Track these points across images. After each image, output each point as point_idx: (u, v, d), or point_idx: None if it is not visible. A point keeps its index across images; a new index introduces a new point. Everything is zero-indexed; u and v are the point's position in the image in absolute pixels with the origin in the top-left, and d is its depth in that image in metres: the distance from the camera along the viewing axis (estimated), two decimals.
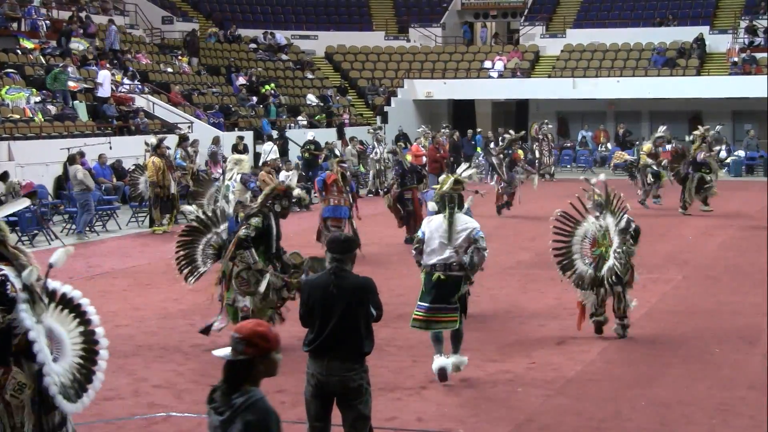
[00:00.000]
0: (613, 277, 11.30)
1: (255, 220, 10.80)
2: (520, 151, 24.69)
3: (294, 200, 11.49)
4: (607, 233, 11.47)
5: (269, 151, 30.03)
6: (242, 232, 10.83)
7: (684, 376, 10.12)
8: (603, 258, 11.41)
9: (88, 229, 20.71)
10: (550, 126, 35.38)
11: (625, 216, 11.47)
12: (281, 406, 9.12)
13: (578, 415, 8.93)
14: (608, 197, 11.57)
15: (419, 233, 9.93)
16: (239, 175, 17.72)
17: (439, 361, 9.74)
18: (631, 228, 11.45)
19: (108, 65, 31.30)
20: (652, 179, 24.74)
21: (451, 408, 9.11)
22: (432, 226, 9.76)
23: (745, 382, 9.87)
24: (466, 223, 9.76)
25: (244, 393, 4.37)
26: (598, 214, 11.54)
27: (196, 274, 11.59)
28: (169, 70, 35.67)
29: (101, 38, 33.47)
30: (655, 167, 24.67)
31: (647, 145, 25.15)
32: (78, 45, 31.95)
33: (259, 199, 11.14)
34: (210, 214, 11.53)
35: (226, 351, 4.47)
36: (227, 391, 4.42)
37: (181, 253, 11.66)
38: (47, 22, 32.92)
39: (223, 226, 11.39)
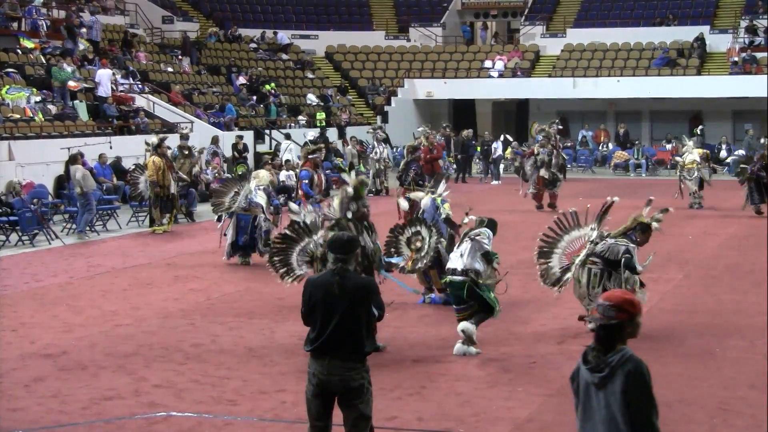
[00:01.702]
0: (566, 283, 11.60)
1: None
2: (534, 147, 24.77)
3: (360, 197, 10.94)
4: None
5: (285, 148, 30.15)
6: (319, 250, 10.88)
7: (685, 375, 10.12)
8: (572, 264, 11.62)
9: (88, 228, 20.71)
10: (560, 126, 35.40)
11: (624, 247, 11.30)
12: (282, 406, 9.13)
13: None
14: (604, 214, 11.68)
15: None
16: (261, 189, 17.55)
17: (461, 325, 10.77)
18: (622, 258, 11.27)
19: (109, 64, 31.31)
20: (696, 184, 24.42)
21: (452, 407, 9.11)
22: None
23: (746, 381, 9.86)
24: (479, 230, 10.92)
25: (618, 351, 5.12)
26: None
27: (292, 275, 11.36)
28: (170, 69, 35.67)
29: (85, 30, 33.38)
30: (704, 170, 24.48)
31: (699, 149, 24.85)
32: (79, 44, 31.95)
33: (337, 211, 10.92)
34: (307, 222, 11.33)
35: (596, 316, 5.17)
36: (602, 351, 5.13)
37: (276, 258, 11.46)
38: (47, 21, 32.91)
39: (318, 235, 11.14)
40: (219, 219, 17.67)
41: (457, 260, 10.92)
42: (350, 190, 10.80)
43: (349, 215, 10.72)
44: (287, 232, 11.46)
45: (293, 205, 12.12)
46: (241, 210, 17.15)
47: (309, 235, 11.23)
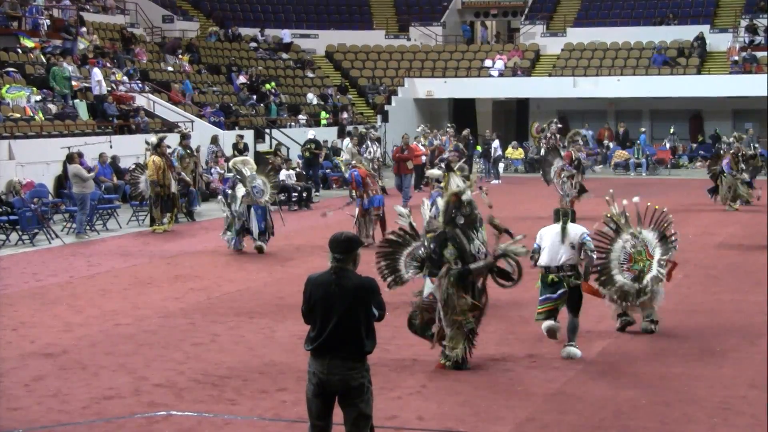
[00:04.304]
0: (654, 286, 11.59)
1: (449, 253, 10.19)
2: (571, 151, 24.34)
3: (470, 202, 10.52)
4: (645, 249, 11.66)
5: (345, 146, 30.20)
6: (452, 271, 10.14)
7: (685, 374, 10.12)
8: (643, 272, 11.61)
9: (87, 227, 20.70)
10: (560, 126, 35.37)
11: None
12: (282, 405, 9.13)
13: (579, 413, 8.93)
14: (638, 216, 11.88)
15: (535, 245, 11.01)
16: (252, 175, 18.50)
17: (547, 323, 10.93)
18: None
19: (104, 63, 31.23)
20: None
21: (452, 407, 9.11)
22: (547, 235, 10.93)
23: (746, 380, 9.87)
24: (576, 229, 10.90)
25: None
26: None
27: (399, 282, 10.80)
28: (170, 68, 35.66)
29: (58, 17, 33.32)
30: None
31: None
32: (79, 44, 31.94)
33: (441, 217, 10.49)
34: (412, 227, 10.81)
35: None
36: None
37: (383, 263, 10.88)
38: (48, 20, 32.90)
39: (418, 242, 10.70)
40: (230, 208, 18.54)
41: (560, 257, 10.80)
42: (466, 196, 10.39)
43: (460, 221, 10.32)
44: (392, 237, 10.91)
45: (400, 208, 11.38)
46: (254, 202, 18.29)
47: (416, 239, 10.71)
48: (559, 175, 23.17)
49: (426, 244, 10.53)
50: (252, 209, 18.19)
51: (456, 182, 10.63)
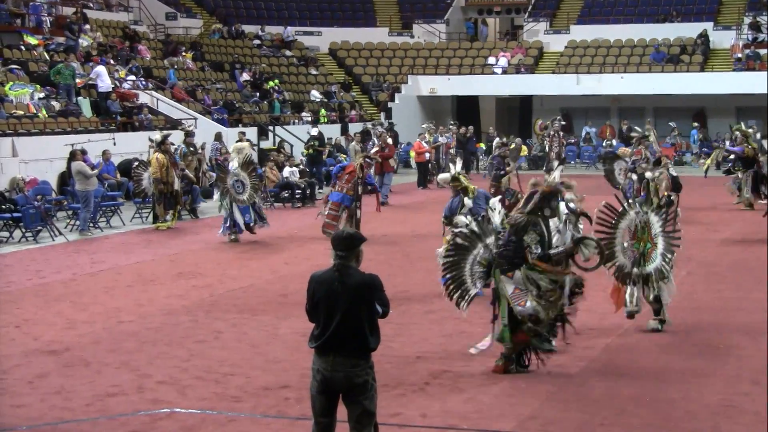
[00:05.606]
0: (659, 278, 11.57)
1: (530, 238, 9.86)
2: (626, 149, 24.15)
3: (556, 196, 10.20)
4: (647, 229, 11.58)
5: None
6: (533, 255, 9.87)
7: (688, 372, 10.12)
8: (643, 255, 11.52)
9: (91, 225, 20.72)
10: (563, 123, 35.35)
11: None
12: (285, 402, 9.14)
13: (582, 411, 8.93)
14: (651, 198, 11.84)
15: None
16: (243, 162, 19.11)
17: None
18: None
19: (107, 60, 31.25)
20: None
21: (455, 404, 9.11)
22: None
23: (749, 378, 9.87)
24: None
25: None
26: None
27: (467, 298, 10.25)
28: (173, 66, 35.66)
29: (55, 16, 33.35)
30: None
31: None
32: (82, 41, 31.97)
33: (529, 206, 10.06)
34: (479, 225, 10.32)
35: None
36: None
37: (449, 276, 10.28)
38: (51, 18, 32.93)
39: (491, 239, 10.21)
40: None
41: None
42: (551, 188, 10.06)
43: (548, 213, 10.04)
44: (458, 240, 10.34)
45: (460, 218, 10.86)
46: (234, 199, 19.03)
47: (482, 239, 10.27)
48: (626, 176, 22.98)
49: (496, 239, 10.18)
50: (234, 203, 18.95)
51: (554, 175, 10.28)
